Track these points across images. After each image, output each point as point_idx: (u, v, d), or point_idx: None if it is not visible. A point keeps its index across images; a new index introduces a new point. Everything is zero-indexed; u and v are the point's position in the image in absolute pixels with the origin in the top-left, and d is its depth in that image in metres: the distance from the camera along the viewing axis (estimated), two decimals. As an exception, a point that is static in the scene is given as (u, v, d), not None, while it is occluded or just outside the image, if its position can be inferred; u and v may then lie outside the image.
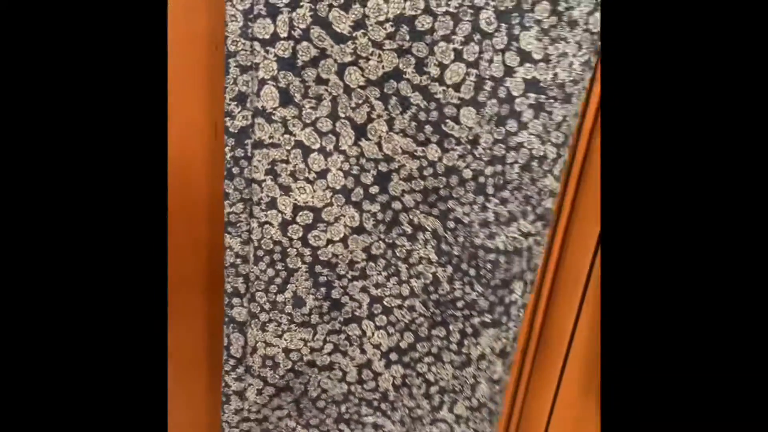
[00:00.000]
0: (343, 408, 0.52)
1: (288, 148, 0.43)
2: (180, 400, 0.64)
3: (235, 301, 0.47)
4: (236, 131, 0.43)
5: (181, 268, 0.59)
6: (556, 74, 0.43)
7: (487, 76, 0.42)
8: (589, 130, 0.55)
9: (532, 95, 0.43)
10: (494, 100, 0.43)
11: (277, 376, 0.49)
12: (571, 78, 0.43)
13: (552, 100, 0.43)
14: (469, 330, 0.50)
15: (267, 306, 0.46)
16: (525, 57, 0.41)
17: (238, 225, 0.45)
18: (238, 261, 0.46)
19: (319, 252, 0.45)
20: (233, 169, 0.44)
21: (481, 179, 0.45)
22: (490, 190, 0.46)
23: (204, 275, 0.59)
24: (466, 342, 0.51)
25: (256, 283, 0.46)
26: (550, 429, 0.69)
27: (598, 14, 0.41)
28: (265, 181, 0.43)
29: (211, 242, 0.57)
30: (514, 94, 0.43)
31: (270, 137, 0.42)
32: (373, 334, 0.49)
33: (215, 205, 0.55)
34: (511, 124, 0.44)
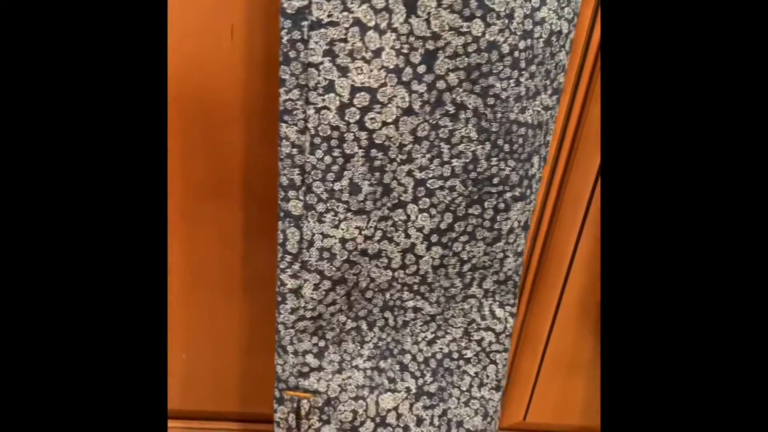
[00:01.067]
0: (387, 295, 0.54)
1: (346, 26, 0.42)
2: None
3: (291, 194, 0.46)
4: (293, 12, 0.42)
5: (193, 176, 0.57)
6: None
7: None
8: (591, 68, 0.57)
9: None
10: None
11: (333, 268, 0.49)
12: None
13: None
14: (501, 206, 0.54)
15: (324, 196, 0.47)
16: None
17: (294, 113, 0.44)
18: (294, 151, 0.45)
19: (374, 135, 0.46)
20: (290, 53, 0.43)
21: (516, 54, 0.48)
22: (522, 64, 0.49)
23: (216, 183, 0.57)
24: (498, 218, 0.54)
25: (312, 173, 0.46)
26: (550, 345, 0.73)
27: None
28: (322, 63, 0.43)
29: (222, 149, 0.56)
30: None
31: (329, 15, 0.42)
32: (416, 218, 0.51)
33: (227, 110, 0.54)
34: (535, 0, 0.47)
